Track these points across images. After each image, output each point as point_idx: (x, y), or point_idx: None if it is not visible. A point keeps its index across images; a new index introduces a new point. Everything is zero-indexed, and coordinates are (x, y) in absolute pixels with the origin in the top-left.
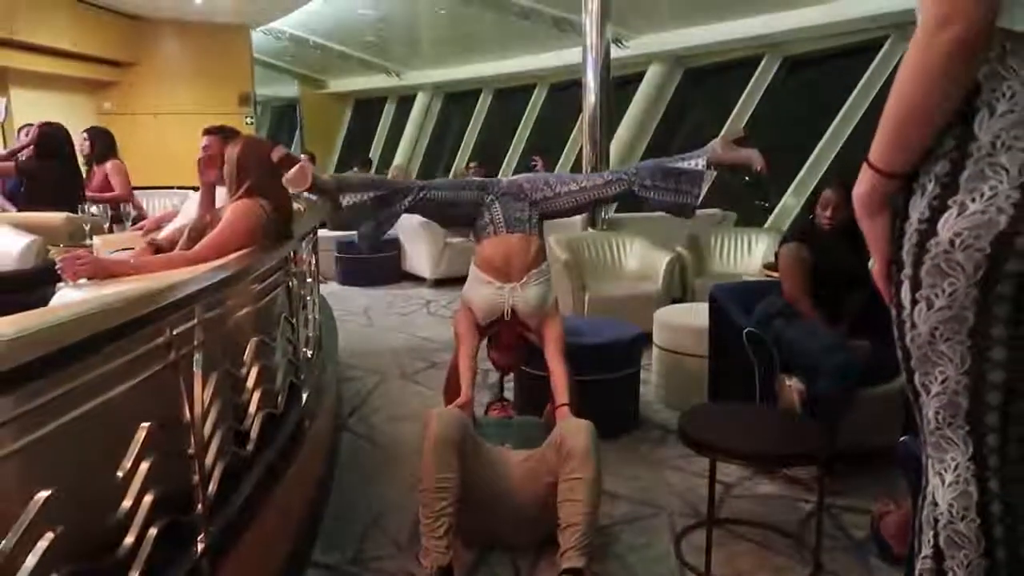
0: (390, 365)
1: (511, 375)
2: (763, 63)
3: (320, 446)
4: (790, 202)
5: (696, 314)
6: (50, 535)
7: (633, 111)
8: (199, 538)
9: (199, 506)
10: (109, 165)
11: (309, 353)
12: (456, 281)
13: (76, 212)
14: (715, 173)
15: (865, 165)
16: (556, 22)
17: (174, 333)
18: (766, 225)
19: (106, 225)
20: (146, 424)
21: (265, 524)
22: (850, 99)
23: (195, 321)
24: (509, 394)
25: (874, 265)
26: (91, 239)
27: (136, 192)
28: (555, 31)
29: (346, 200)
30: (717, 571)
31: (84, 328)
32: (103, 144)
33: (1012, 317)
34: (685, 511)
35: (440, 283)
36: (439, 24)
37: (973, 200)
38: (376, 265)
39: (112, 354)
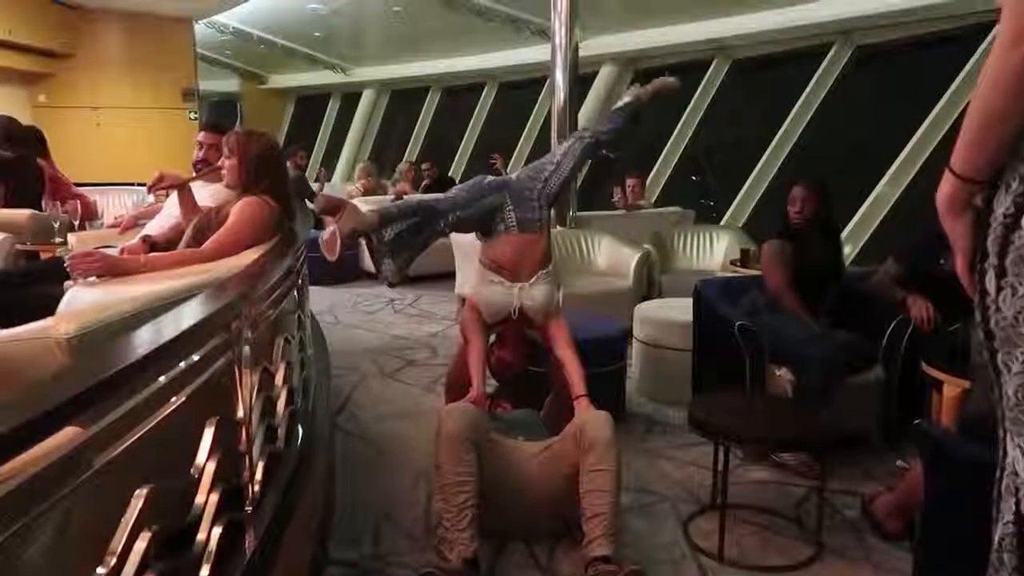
0: (367, 363)
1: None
2: (713, 65)
3: (324, 443)
4: (744, 200)
5: (676, 309)
6: (147, 535)
7: (585, 110)
8: (250, 536)
9: (247, 503)
10: None
11: (310, 350)
12: (417, 280)
13: (40, 210)
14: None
15: (947, 170)
16: (512, 20)
17: (231, 330)
18: (722, 222)
19: (76, 223)
20: (215, 419)
21: (298, 521)
22: (799, 102)
23: (243, 319)
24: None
25: (958, 261)
26: (62, 237)
27: (84, 189)
28: (507, 30)
29: (388, 233)
30: (727, 554)
31: (149, 324)
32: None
33: None
34: (685, 498)
35: (402, 281)
36: (390, 20)
37: None
38: (335, 263)
39: (182, 355)
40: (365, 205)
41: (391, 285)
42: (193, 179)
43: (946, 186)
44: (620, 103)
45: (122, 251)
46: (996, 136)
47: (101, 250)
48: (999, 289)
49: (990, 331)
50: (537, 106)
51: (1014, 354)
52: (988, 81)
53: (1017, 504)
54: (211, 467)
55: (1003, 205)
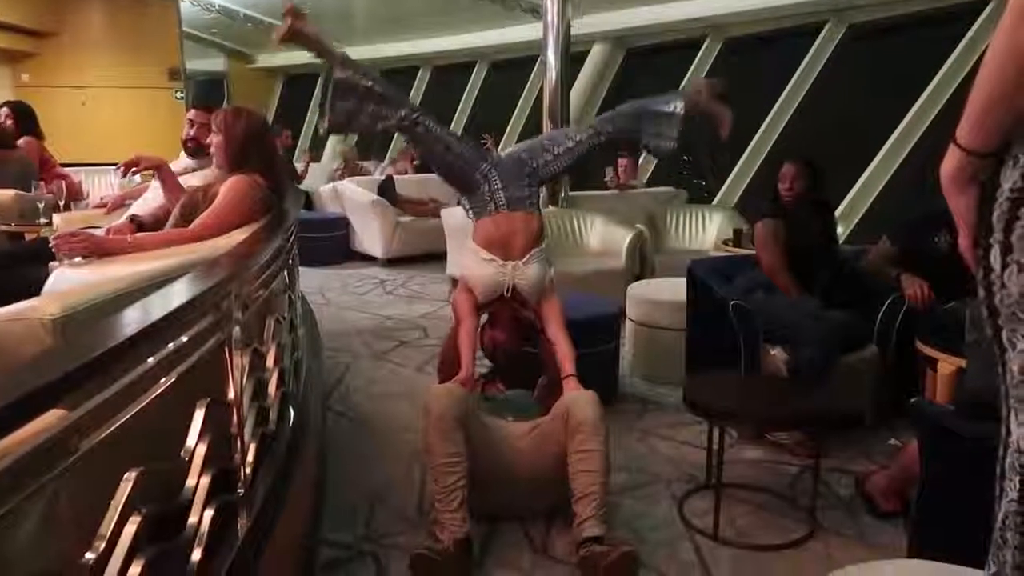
0: (358, 344)
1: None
2: (705, 44)
3: (316, 424)
4: (736, 179)
5: (670, 289)
6: (137, 518)
7: (576, 90)
8: (242, 519)
9: (239, 486)
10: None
11: (301, 331)
12: (409, 260)
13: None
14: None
15: (952, 143)
16: None
17: (221, 310)
18: (715, 202)
19: (61, 203)
20: (205, 400)
21: (291, 503)
22: (792, 80)
23: (233, 299)
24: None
25: (962, 237)
26: (47, 218)
27: (71, 169)
28: (497, 8)
29: (339, 73)
30: (722, 533)
31: (137, 305)
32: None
33: None
34: (679, 477)
35: (393, 262)
36: None
37: None
38: (325, 244)
39: (171, 335)
40: (352, 183)
41: (324, 136)
42: (171, 161)
43: (951, 159)
44: (668, 107)
45: (108, 231)
46: (1003, 112)
47: (87, 230)
48: (1004, 266)
49: (994, 308)
50: (528, 85)
51: (1020, 331)
52: (996, 55)
53: (1022, 483)
54: (202, 449)
55: (1010, 179)
